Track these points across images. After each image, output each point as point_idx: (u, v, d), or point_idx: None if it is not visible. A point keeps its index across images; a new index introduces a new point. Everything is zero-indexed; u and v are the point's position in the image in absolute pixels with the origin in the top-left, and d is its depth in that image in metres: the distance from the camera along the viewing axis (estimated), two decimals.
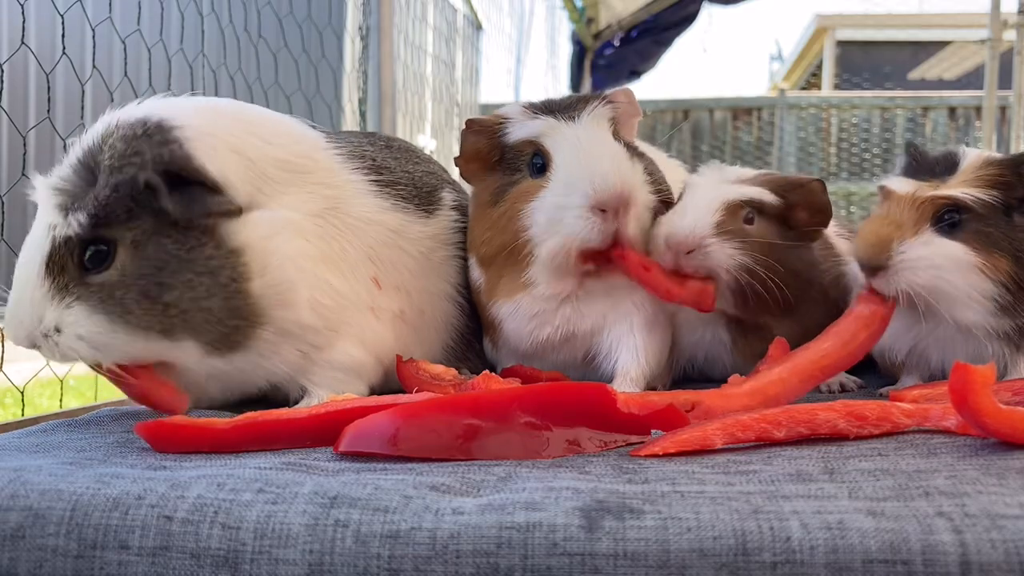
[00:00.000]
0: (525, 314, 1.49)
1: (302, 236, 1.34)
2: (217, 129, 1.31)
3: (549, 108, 1.49)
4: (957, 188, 1.32)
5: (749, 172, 1.59)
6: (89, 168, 1.25)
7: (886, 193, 1.39)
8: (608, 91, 1.54)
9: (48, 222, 1.24)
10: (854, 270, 1.40)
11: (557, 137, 1.45)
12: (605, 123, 1.48)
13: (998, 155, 1.40)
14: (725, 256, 1.40)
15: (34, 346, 1.26)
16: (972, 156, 1.38)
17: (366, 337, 1.43)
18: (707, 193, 1.46)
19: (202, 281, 1.24)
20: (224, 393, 1.36)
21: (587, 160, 1.40)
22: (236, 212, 1.28)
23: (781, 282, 1.41)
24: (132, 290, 1.22)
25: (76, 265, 1.23)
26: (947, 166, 1.38)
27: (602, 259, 1.43)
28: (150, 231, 1.23)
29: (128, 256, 1.22)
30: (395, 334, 1.49)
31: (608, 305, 1.48)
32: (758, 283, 1.41)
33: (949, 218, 1.32)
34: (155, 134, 1.24)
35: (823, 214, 1.50)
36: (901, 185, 1.37)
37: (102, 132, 1.27)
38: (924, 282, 1.29)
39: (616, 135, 1.51)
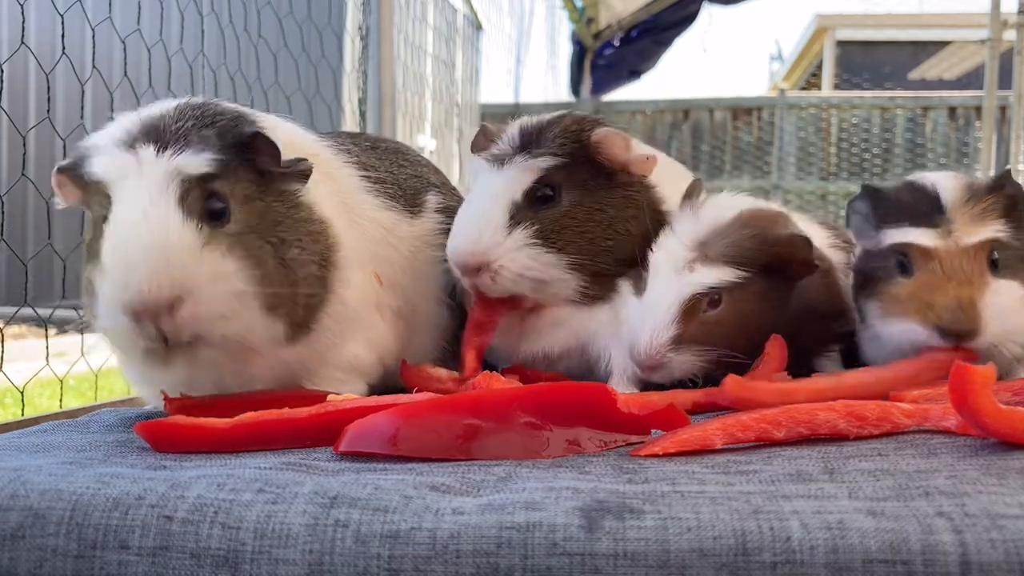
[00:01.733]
0: (502, 330, 1.52)
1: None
2: (257, 113, 1.36)
3: (492, 152, 1.50)
4: (985, 227, 1.34)
5: (732, 208, 1.49)
6: (151, 132, 1.21)
7: (922, 251, 1.34)
8: (596, 136, 1.48)
9: (174, 167, 1.17)
10: (914, 334, 1.34)
11: (475, 182, 1.51)
12: (523, 177, 1.45)
13: (971, 181, 1.42)
14: (685, 366, 1.39)
15: None
16: (946, 187, 1.39)
17: (371, 336, 1.44)
18: (665, 290, 1.41)
19: (307, 244, 1.26)
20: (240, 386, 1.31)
21: (459, 218, 1.49)
22: (309, 172, 1.29)
23: (754, 334, 1.40)
24: (256, 240, 1.20)
25: (199, 215, 1.17)
26: (930, 203, 1.38)
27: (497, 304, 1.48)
28: (256, 189, 1.23)
29: (243, 211, 1.21)
30: (395, 332, 1.50)
31: (578, 328, 1.50)
32: (725, 358, 1.38)
33: (994, 258, 1.33)
34: (220, 107, 1.28)
35: (806, 267, 1.44)
36: (930, 239, 1.35)
37: (171, 107, 1.26)
38: (1007, 332, 1.30)
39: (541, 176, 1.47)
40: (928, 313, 1.31)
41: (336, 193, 1.42)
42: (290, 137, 1.36)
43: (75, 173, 1.25)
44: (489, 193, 1.46)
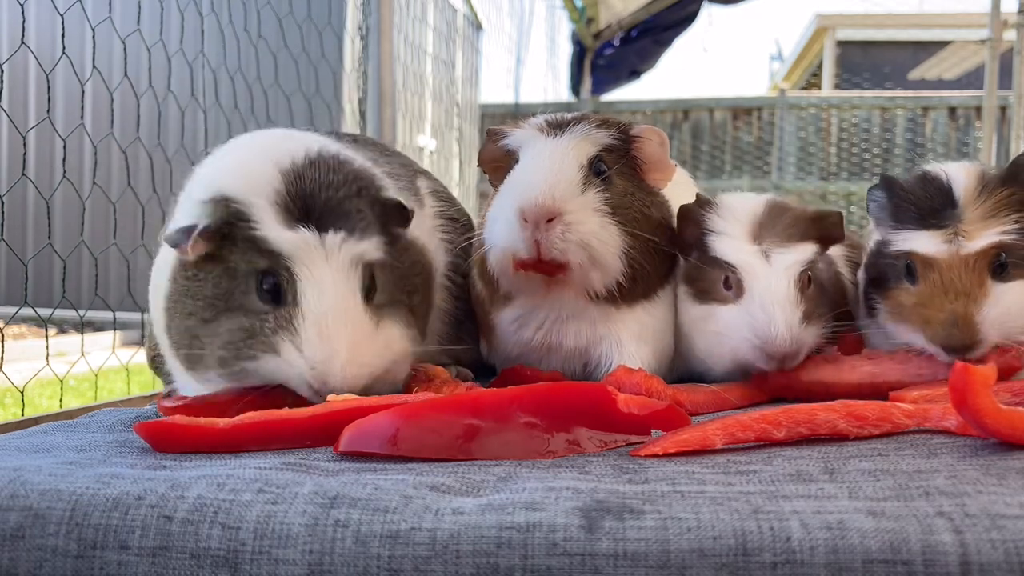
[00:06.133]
0: (509, 318, 1.52)
1: None
2: None
3: (541, 124, 1.47)
4: (991, 229, 1.32)
5: (753, 199, 1.54)
6: None
7: (924, 260, 1.35)
8: (637, 128, 1.49)
9: None
10: (920, 344, 1.37)
11: (526, 148, 1.44)
12: (584, 145, 1.42)
13: (987, 171, 1.40)
14: (810, 344, 1.41)
15: None
16: (961, 180, 1.38)
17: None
18: (774, 277, 1.41)
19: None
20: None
21: (525, 171, 1.39)
22: None
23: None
24: None
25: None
26: (943, 198, 1.37)
27: (542, 270, 1.38)
28: None
29: None
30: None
31: (588, 328, 1.48)
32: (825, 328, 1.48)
33: (999, 262, 1.33)
34: None
35: (840, 238, 1.52)
36: (933, 246, 1.34)
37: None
38: (1011, 335, 1.31)
39: (601, 162, 1.43)
40: (926, 329, 1.34)
41: None
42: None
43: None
44: (558, 150, 1.40)
